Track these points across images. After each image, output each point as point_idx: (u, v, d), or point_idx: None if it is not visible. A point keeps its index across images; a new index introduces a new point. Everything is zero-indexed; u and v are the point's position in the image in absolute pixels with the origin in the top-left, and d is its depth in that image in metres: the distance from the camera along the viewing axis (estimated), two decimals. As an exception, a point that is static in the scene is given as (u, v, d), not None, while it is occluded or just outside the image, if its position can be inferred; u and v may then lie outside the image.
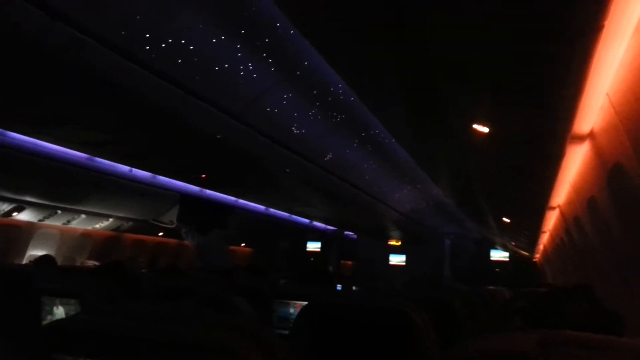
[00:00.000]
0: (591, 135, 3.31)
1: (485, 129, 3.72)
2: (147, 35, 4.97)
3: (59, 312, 2.81)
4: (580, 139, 3.38)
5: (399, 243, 20.70)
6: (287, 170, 9.24)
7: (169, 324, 0.96)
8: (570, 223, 5.77)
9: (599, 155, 3.29)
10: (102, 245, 12.65)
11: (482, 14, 2.25)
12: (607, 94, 2.62)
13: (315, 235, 20.94)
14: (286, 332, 2.95)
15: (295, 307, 3.08)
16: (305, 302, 2.98)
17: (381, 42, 3.47)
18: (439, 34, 2.69)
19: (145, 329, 0.93)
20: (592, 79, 2.40)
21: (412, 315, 1.80)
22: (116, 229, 12.72)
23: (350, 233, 21.80)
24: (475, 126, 3.77)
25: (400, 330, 1.79)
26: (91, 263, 11.56)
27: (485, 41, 2.49)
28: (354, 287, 7.10)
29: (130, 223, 12.57)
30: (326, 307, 1.91)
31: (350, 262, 23.07)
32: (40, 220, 10.83)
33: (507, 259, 19.91)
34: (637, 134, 2.37)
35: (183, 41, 5.25)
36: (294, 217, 16.84)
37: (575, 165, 4.07)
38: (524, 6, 1.97)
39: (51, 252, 10.75)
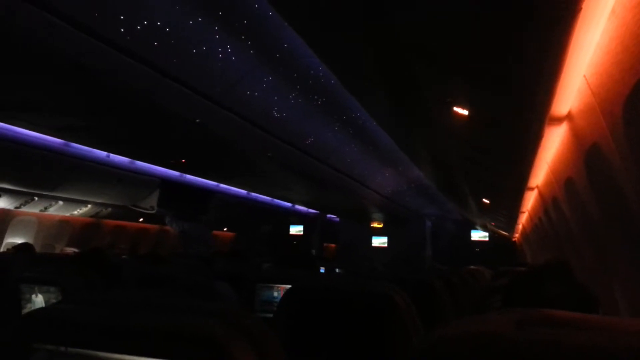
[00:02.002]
0: (569, 117, 3.35)
1: (465, 112, 3.74)
2: (122, 17, 4.85)
3: (39, 300, 2.77)
4: (558, 120, 3.42)
5: (381, 225, 20.86)
6: (268, 154, 9.20)
7: (150, 312, 0.95)
8: (548, 203, 5.87)
9: (577, 137, 3.34)
10: (81, 231, 12.50)
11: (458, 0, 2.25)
12: (585, 76, 2.65)
13: (298, 218, 20.98)
14: (270, 315, 2.97)
15: (279, 290, 3.10)
16: (289, 286, 3.00)
17: (360, 27, 3.44)
18: (415, 20, 2.67)
19: (125, 317, 0.92)
20: (570, 61, 2.42)
21: (394, 298, 1.81)
22: (95, 215, 12.57)
23: (333, 216, 21.90)
24: (455, 109, 3.79)
25: (383, 313, 1.80)
26: (70, 250, 11.41)
27: (462, 27, 2.48)
28: (337, 270, 7.15)
29: (110, 209, 12.42)
30: (309, 290, 1.91)
31: (333, 245, 23.22)
32: (16, 208, 10.63)
33: (487, 239, 20.23)
34: (613, 115, 2.41)
35: (159, 23, 5.14)
36: (276, 201, 16.83)
37: (553, 146, 4.13)
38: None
39: (29, 240, 10.61)
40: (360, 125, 9.30)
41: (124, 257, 9.87)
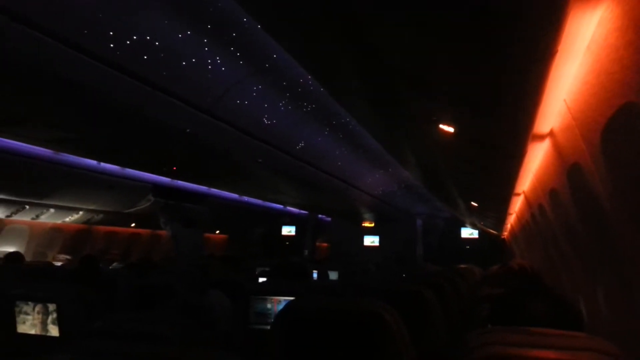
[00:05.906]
0: (551, 134, 3.45)
1: (451, 129, 3.83)
2: (111, 33, 4.88)
3: (35, 318, 2.82)
4: (541, 137, 3.52)
5: (372, 224, 20.96)
6: (259, 160, 9.25)
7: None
8: (534, 208, 5.99)
9: (559, 153, 3.44)
10: (73, 238, 12.48)
11: (442, 37, 2.32)
12: (565, 101, 2.74)
13: (290, 219, 21.00)
14: (264, 327, 3.04)
15: (272, 302, 3.17)
16: (283, 298, 3.08)
17: (344, 48, 3.51)
18: (399, 44, 2.75)
19: None
20: (550, 88, 2.51)
21: (384, 317, 1.88)
22: (87, 222, 12.55)
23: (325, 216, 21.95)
24: (441, 126, 3.88)
25: (374, 332, 1.88)
26: (63, 257, 11.42)
27: (445, 56, 2.57)
28: (330, 272, 7.21)
29: (101, 215, 12.41)
30: (302, 311, 1.97)
31: (325, 244, 23.28)
32: (7, 216, 10.60)
33: (477, 237, 20.37)
34: (592, 140, 2.51)
35: (148, 37, 5.18)
36: (268, 203, 16.87)
37: (537, 159, 4.23)
38: (482, 39, 2.06)
39: (21, 248, 10.59)
40: (350, 130, 9.38)
41: (115, 264, 9.85)
